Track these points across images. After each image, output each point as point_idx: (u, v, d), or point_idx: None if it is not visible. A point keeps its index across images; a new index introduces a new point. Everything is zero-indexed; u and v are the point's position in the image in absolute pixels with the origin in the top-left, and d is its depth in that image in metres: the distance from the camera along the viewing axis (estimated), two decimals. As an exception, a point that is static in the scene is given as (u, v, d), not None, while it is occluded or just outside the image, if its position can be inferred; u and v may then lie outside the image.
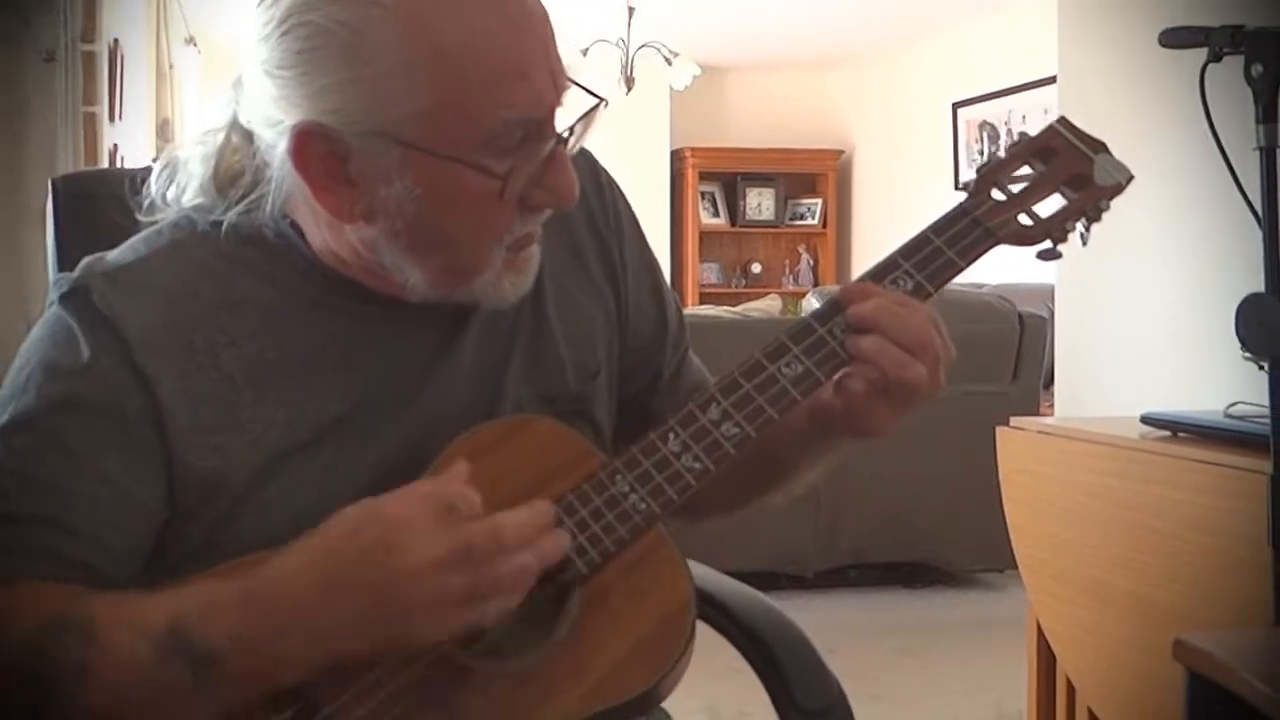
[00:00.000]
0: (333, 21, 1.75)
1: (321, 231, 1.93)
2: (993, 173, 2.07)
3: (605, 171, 2.26)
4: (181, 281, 1.88)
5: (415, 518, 1.67)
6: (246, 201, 1.93)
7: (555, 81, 1.83)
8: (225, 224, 1.93)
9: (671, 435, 1.92)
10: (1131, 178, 2.06)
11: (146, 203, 2.03)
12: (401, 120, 1.77)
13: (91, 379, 1.79)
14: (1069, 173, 2.07)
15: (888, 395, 1.93)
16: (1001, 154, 2.09)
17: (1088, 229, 2.07)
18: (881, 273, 2.00)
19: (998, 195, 2.06)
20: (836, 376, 1.97)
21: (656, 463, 1.91)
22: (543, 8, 1.83)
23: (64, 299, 1.85)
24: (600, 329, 2.18)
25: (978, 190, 2.06)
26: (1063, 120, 2.12)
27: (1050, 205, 2.07)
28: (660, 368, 2.30)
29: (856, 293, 1.97)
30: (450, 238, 1.86)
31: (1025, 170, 2.09)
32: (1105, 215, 2.08)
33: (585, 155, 2.20)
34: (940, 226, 2.04)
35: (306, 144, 1.80)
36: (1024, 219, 2.05)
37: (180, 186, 2.00)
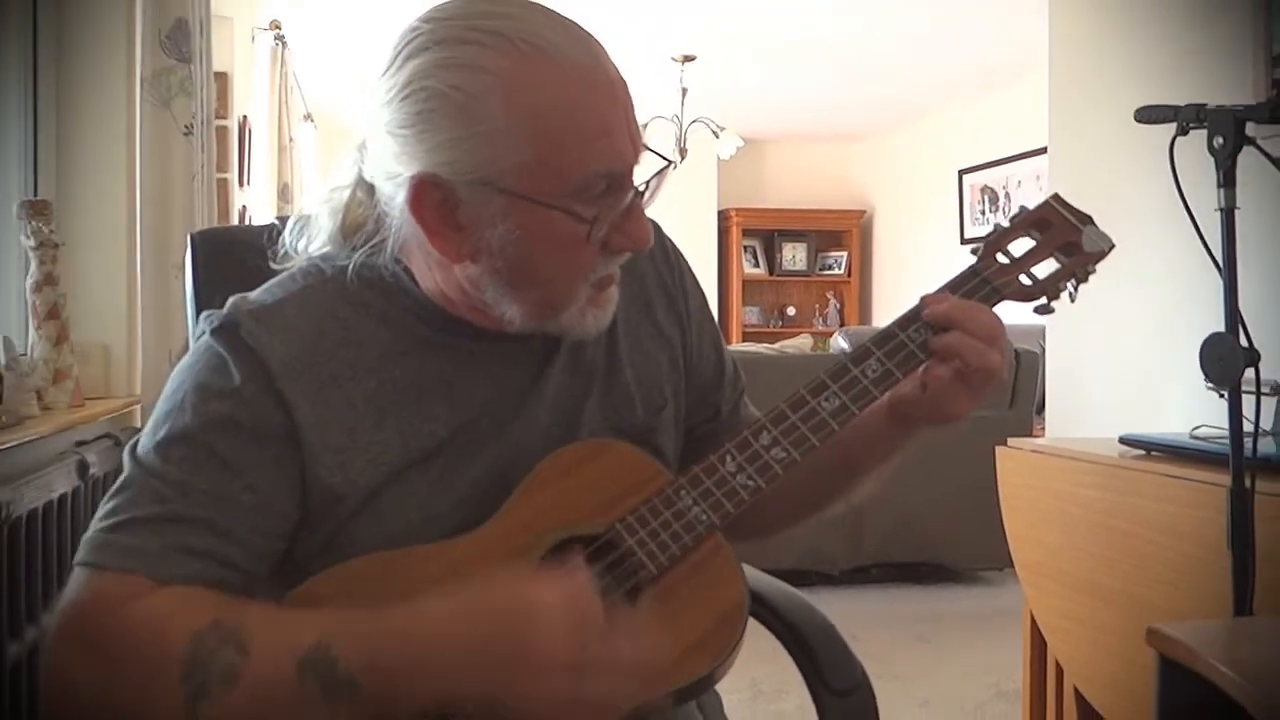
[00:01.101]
0: (447, 86, 1.78)
1: (433, 273, 1.96)
2: (999, 240, 2.10)
3: (671, 240, 2.28)
4: (311, 322, 1.91)
5: (560, 620, 1.64)
6: (368, 247, 1.96)
7: (634, 142, 1.85)
8: (350, 269, 1.96)
9: (729, 458, 1.94)
10: (1113, 246, 2.09)
11: (281, 253, 2.06)
12: (505, 172, 1.79)
13: (240, 401, 1.81)
14: (1061, 241, 2.10)
15: (967, 383, 1.96)
16: (1006, 224, 2.12)
17: (1076, 288, 2.09)
18: (907, 321, 2.01)
19: (1002, 259, 2.09)
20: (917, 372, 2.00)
21: (716, 481, 1.92)
22: (624, 79, 1.86)
23: (215, 332, 1.87)
24: (666, 371, 2.19)
25: (986, 254, 2.10)
26: (1056, 197, 2.14)
27: (1045, 268, 2.10)
28: (719, 405, 2.31)
29: (933, 300, 2.01)
30: (543, 275, 1.87)
31: (1025, 238, 2.11)
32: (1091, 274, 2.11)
33: (654, 227, 2.20)
34: (955, 284, 2.07)
35: (423, 193, 1.83)
36: (1024, 279, 2.08)
37: (309, 238, 2.04)
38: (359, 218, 2.00)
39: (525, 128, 1.78)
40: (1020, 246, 2.12)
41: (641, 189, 1.88)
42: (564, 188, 1.81)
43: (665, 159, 1.94)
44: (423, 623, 1.67)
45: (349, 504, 1.86)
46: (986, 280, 2.07)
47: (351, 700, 1.63)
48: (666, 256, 2.26)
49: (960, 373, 1.96)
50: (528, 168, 1.79)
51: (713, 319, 2.34)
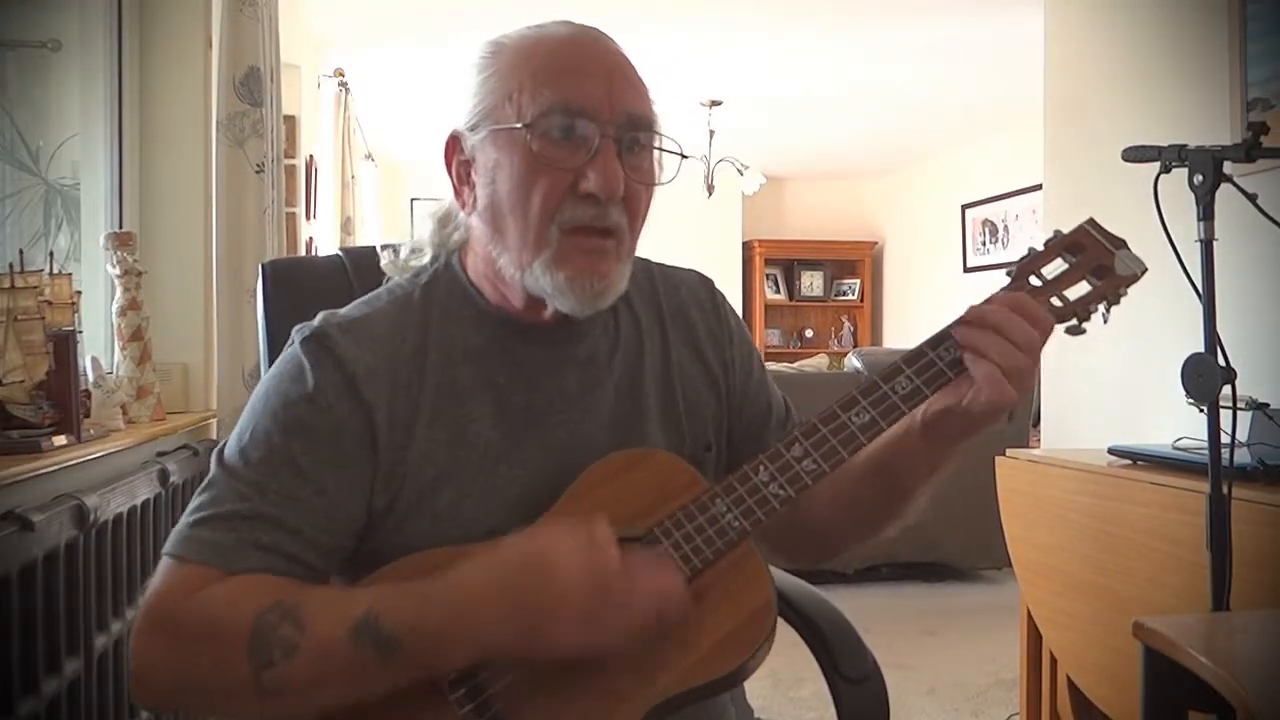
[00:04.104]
0: (478, 59, 1.96)
1: (482, 269, 2.02)
2: (1031, 263, 2.02)
3: (720, 292, 2.29)
4: (390, 335, 1.94)
5: (571, 558, 1.67)
6: (451, 244, 2.09)
7: (610, 96, 1.88)
8: (425, 282, 2.04)
9: (762, 468, 1.91)
10: (1145, 270, 2.02)
11: (386, 261, 2.15)
12: (491, 109, 1.91)
13: (315, 407, 1.84)
14: (1094, 264, 2.02)
15: (1011, 379, 1.88)
16: (1040, 248, 2.04)
17: (1108, 310, 2.02)
18: (937, 341, 1.95)
19: (1035, 282, 2.01)
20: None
21: (748, 489, 1.89)
22: (614, 54, 1.94)
23: (305, 340, 1.91)
24: (712, 410, 2.18)
25: (1018, 277, 2.01)
26: (1091, 221, 2.06)
27: (1077, 291, 2.02)
28: (768, 442, 2.16)
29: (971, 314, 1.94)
30: (511, 203, 1.89)
31: (1059, 261, 2.04)
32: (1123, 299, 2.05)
33: (704, 281, 2.29)
34: None
35: (451, 149, 1.98)
36: (1056, 301, 2.00)
37: (409, 256, 2.13)
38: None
39: (510, 71, 1.91)
40: (1052, 270, 2.04)
41: (614, 137, 1.88)
42: (531, 113, 1.86)
43: (658, 132, 1.96)
44: (456, 586, 1.69)
45: (405, 503, 1.88)
46: None
47: (402, 663, 1.67)
48: (717, 309, 2.26)
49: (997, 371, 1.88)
50: (504, 104, 1.90)
51: (762, 365, 2.32)
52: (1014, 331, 1.89)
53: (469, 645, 1.68)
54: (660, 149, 1.97)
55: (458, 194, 1.99)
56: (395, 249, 2.16)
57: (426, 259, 2.11)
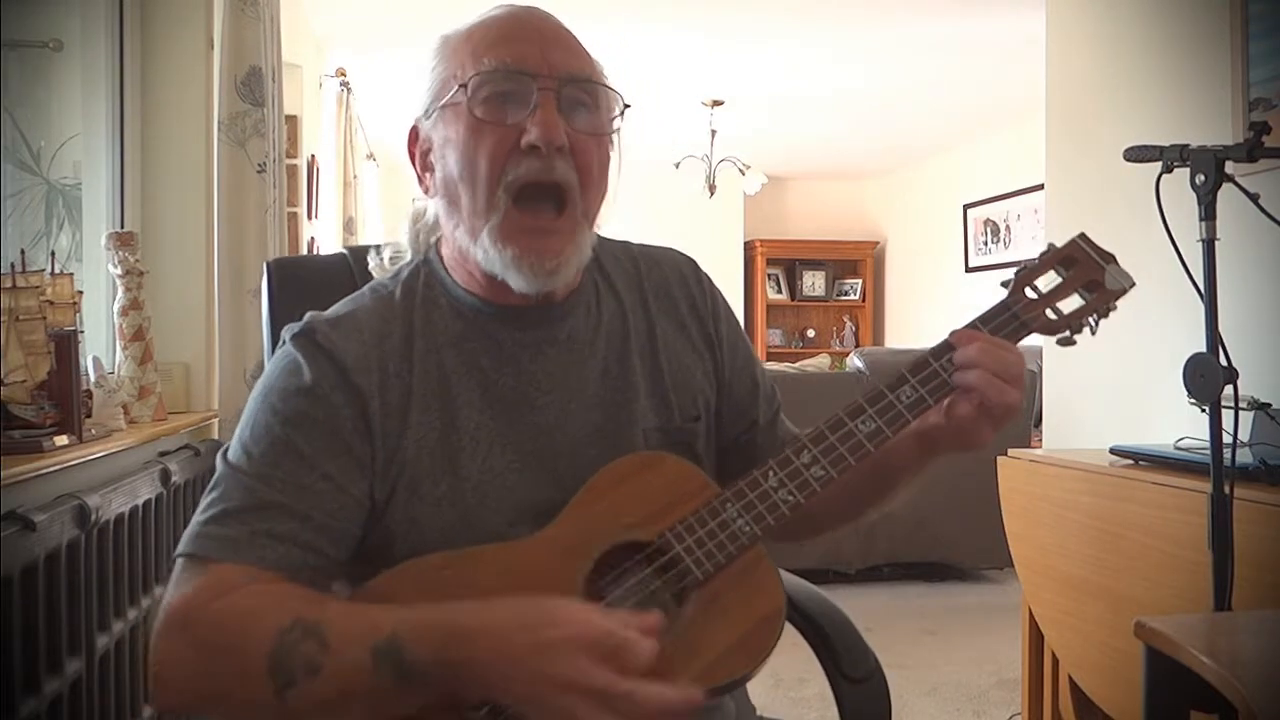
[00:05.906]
0: (430, 53, 2.06)
1: (447, 247, 2.09)
2: (1028, 275, 2.08)
3: (705, 274, 2.31)
4: (376, 327, 1.97)
5: (579, 644, 1.60)
6: (429, 240, 2.14)
7: (545, 55, 1.94)
8: (404, 277, 2.08)
9: (771, 474, 1.93)
10: (1133, 284, 2.07)
11: (373, 264, 2.25)
12: (439, 92, 2.01)
13: (314, 398, 1.87)
14: (1086, 278, 2.08)
15: (989, 415, 1.94)
16: (1035, 261, 2.11)
17: (1097, 322, 2.08)
18: (939, 353, 1.99)
19: (1030, 294, 2.06)
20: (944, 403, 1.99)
21: (758, 495, 1.91)
22: (550, 22, 2.02)
23: (294, 337, 1.94)
24: (699, 384, 2.18)
25: (1015, 289, 2.07)
26: (1082, 235, 2.12)
27: (1070, 303, 2.08)
28: (756, 417, 2.29)
29: (964, 337, 1.98)
30: (461, 171, 1.95)
31: (1052, 273, 2.10)
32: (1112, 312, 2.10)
33: (687, 259, 2.31)
34: (986, 318, 2.05)
35: (413, 140, 2.08)
36: (1050, 314, 2.06)
37: (391, 257, 2.20)
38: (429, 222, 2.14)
39: (451, 57, 2.01)
40: (1047, 281, 2.10)
41: (550, 90, 1.93)
42: (471, 80, 1.94)
43: (596, 82, 2.01)
44: (475, 627, 1.65)
45: (405, 488, 1.89)
46: (1016, 315, 2.05)
47: (423, 689, 1.65)
48: (700, 285, 2.27)
49: (982, 407, 1.94)
50: (450, 83, 1.99)
51: (747, 341, 2.34)
52: (1001, 365, 1.96)
53: (483, 686, 1.65)
54: (619, 114, 2.04)
55: (421, 181, 2.06)
56: (379, 250, 2.23)
57: (408, 259, 2.15)
